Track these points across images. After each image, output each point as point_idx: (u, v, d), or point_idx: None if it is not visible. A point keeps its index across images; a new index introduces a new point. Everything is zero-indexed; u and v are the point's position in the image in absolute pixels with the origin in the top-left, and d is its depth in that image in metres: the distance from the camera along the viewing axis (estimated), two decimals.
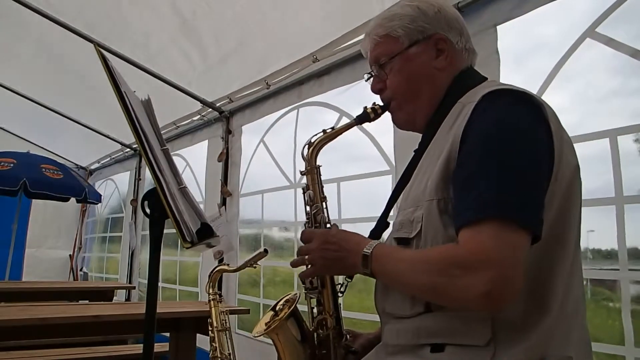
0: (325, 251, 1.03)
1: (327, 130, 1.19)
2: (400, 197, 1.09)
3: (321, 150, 1.21)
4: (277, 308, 1.22)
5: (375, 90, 1.18)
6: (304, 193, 1.20)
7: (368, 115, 1.16)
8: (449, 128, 0.97)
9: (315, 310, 1.16)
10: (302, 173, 1.21)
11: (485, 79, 1.08)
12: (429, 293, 0.89)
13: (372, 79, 1.18)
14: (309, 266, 1.08)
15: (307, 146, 1.20)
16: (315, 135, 1.19)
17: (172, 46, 3.44)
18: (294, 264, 1.10)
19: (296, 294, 1.25)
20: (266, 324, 1.19)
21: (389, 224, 1.11)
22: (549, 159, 0.88)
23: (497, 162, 0.84)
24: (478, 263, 0.79)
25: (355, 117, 1.17)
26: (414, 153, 1.11)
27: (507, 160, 0.84)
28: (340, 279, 1.18)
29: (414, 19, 1.09)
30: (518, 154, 0.85)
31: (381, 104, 1.16)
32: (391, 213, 1.14)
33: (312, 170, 1.19)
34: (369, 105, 1.16)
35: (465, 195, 0.85)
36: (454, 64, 1.09)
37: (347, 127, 1.18)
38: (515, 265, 0.79)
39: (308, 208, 1.18)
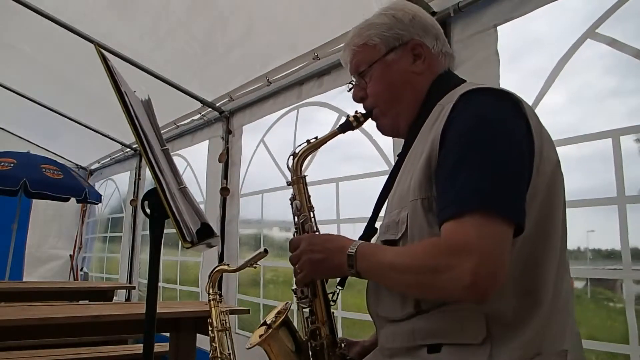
0: (311, 253, 1.03)
1: (311, 140, 1.19)
2: (387, 201, 1.09)
3: (318, 151, 1.21)
4: (270, 321, 1.20)
5: (356, 99, 1.19)
6: (291, 203, 1.19)
7: (350, 124, 1.16)
8: (429, 129, 0.98)
9: (308, 319, 1.14)
10: (288, 184, 1.21)
11: (463, 81, 1.10)
12: (416, 287, 0.89)
13: (353, 88, 1.19)
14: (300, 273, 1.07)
15: (291, 157, 1.20)
16: (300, 145, 1.20)
17: (173, 40, 3.43)
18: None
19: (287, 303, 1.23)
20: (259, 336, 1.17)
21: (376, 229, 1.11)
22: (529, 152, 0.89)
23: (476, 157, 0.86)
24: (462, 253, 0.79)
25: (338, 126, 1.18)
26: (397, 157, 1.12)
27: (486, 154, 0.86)
28: (333, 286, 1.17)
29: (390, 27, 1.11)
30: (498, 147, 0.86)
31: (364, 112, 1.17)
32: (378, 217, 1.14)
33: (298, 181, 1.19)
34: (352, 114, 1.16)
35: (446, 190, 0.87)
36: (431, 68, 1.11)
37: (331, 136, 1.18)
38: (499, 254, 0.79)
39: (296, 218, 1.18)
